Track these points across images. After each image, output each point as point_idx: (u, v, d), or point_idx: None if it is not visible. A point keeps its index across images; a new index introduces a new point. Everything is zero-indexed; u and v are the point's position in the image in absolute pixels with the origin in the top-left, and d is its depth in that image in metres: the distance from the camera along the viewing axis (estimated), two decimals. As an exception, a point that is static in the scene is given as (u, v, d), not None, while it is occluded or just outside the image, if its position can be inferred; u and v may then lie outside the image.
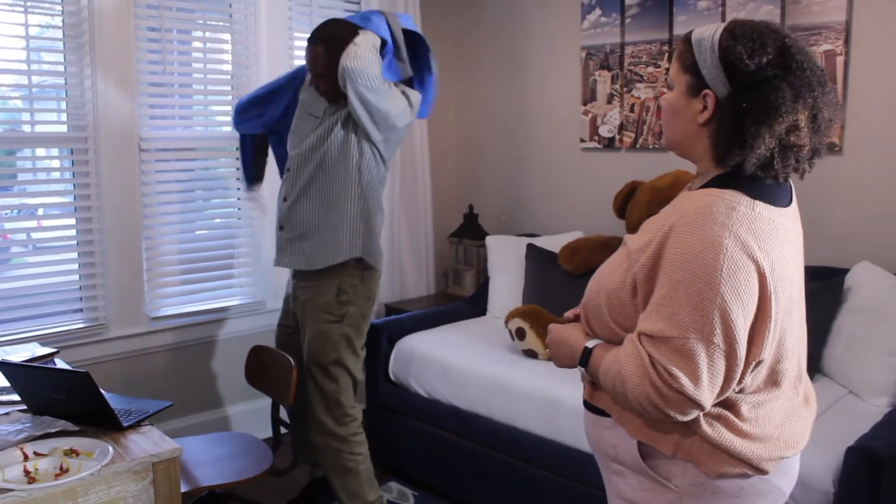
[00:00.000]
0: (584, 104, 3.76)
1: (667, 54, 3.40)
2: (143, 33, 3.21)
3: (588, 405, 1.53)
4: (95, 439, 1.83)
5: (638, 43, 3.51)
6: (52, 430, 1.87)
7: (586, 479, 2.52)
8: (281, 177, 2.89)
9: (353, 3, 3.87)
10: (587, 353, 1.44)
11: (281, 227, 2.74)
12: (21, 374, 1.97)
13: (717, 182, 1.35)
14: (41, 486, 1.62)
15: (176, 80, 3.41)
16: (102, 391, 1.89)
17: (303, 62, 2.80)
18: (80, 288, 3.17)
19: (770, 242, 1.29)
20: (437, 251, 4.29)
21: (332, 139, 2.61)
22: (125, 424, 1.91)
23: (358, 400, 2.81)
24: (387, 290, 4.03)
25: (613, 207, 3.19)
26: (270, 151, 3.07)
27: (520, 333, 3.05)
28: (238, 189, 3.58)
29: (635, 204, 3.07)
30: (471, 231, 4.14)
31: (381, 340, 3.30)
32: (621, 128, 3.62)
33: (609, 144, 3.68)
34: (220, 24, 3.52)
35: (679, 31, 3.34)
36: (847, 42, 2.89)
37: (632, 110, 3.57)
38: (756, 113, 1.29)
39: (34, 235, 3.23)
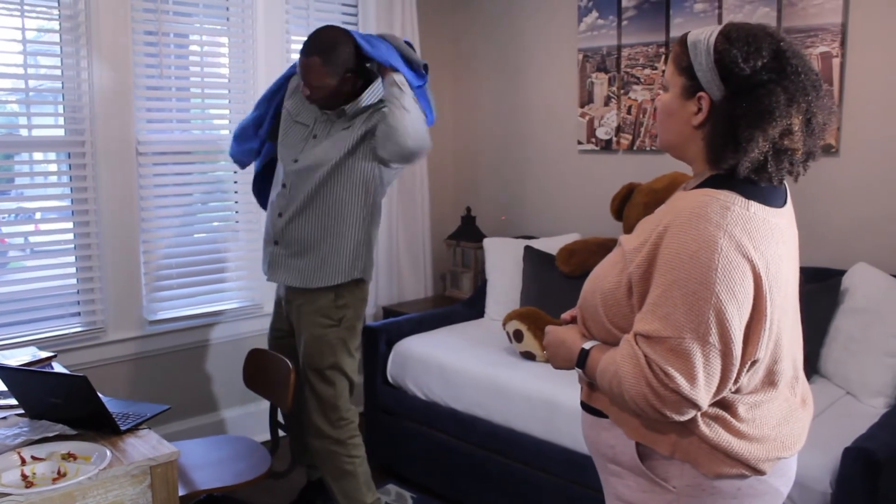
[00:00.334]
0: (582, 106, 3.76)
1: (663, 56, 3.41)
2: (140, 37, 3.21)
3: (586, 406, 1.53)
4: (93, 443, 1.83)
5: (634, 45, 3.51)
6: (50, 434, 1.87)
7: (584, 480, 2.52)
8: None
9: (350, 6, 3.87)
10: (584, 354, 1.44)
11: (275, 242, 2.69)
12: (19, 378, 1.97)
13: (712, 182, 1.35)
14: (39, 491, 1.62)
15: (173, 84, 3.41)
16: (100, 395, 1.89)
17: (276, 77, 2.82)
18: (78, 292, 3.17)
19: (765, 242, 1.30)
20: (435, 253, 4.29)
21: (337, 160, 2.56)
22: (123, 428, 1.92)
23: (356, 402, 2.80)
24: (384, 292, 4.03)
25: (611, 209, 3.19)
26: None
27: (517, 335, 3.05)
28: (235, 192, 3.58)
29: (632, 206, 3.08)
30: (468, 233, 4.14)
31: (379, 343, 3.30)
32: (618, 130, 3.62)
33: (606, 146, 3.69)
34: (218, 27, 3.52)
35: (675, 33, 3.35)
36: (843, 44, 2.90)
37: (629, 112, 3.57)
38: (750, 116, 1.30)
39: (32, 239, 3.22)
